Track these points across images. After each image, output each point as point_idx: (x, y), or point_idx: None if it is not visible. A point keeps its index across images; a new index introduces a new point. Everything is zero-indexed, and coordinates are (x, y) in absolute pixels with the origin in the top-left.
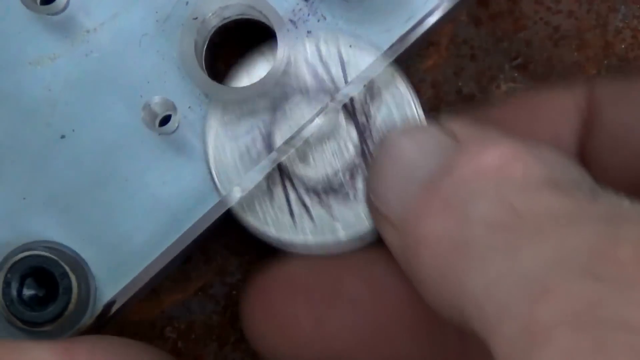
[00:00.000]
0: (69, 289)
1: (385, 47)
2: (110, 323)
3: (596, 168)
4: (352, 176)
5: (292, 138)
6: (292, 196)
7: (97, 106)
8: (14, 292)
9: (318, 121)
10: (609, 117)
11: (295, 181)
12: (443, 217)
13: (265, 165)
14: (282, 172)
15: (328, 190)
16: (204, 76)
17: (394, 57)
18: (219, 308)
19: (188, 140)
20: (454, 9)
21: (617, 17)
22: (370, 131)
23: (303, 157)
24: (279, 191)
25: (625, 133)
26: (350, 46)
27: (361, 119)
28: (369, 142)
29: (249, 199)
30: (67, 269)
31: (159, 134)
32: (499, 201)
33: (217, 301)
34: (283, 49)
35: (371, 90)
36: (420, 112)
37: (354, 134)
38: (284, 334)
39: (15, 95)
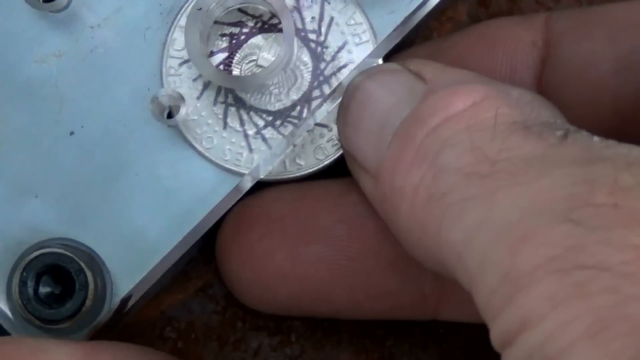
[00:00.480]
0: (85, 285)
1: (390, 29)
2: (126, 318)
3: (555, 101)
4: (309, 105)
5: (299, 126)
6: (248, 126)
7: (104, 101)
8: (31, 291)
9: (325, 106)
10: (566, 50)
11: (252, 112)
12: (417, 168)
13: (275, 154)
14: (238, 103)
15: (284, 119)
16: (209, 65)
17: (398, 39)
18: (219, 308)
19: (207, 127)
20: None
21: None
22: (324, 57)
23: (260, 88)
24: (235, 123)
25: (582, 67)
26: None
27: (316, 47)
28: (324, 69)
29: (203, 129)
30: (83, 265)
31: (168, 126)
32: (471, 149)
33: (217, 301)
34: (288, 37)
35: (322, 14)
36: (372, 34)
37: (308, 60)
38: (259, 270)
39: (23, 93)
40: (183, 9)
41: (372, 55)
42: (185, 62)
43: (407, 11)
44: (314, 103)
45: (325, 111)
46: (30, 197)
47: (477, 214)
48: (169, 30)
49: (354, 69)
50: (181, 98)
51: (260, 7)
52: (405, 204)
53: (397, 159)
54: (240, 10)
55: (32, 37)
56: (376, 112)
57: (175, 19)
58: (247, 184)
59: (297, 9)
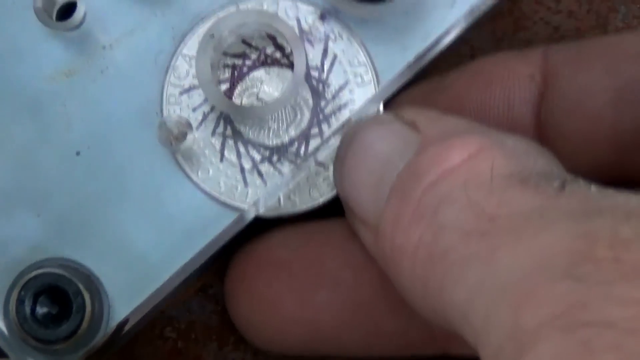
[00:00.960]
0: (82, 308)
1: (403, 65)
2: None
3: (554, 136)
4: (307, 143)
5: (311, 154)
6: (245, 159)
7: (112, 123)
8: (28, 310)
9: (334, 141)
10: (563, 83)
11: (249, 146)
12: (417, 226)
13: (281, 185)
14: (236, 136)
15: (281, 155)
16: (219, 93)
17: (411, 75)
18: (219, 308)
19: (203, 158)
20: (470, 28)
21: (617, 17)
22: (325, 95)
23: (259, 123)
24: (232, 155)
25: (580, 99)
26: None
27: (317, 84)
28: (324, 107)
29: (200, 159)
30: (81, 287)
31: (175, 152)
32: (469, 205)
33: (217, 301)
34: (299, 68)
35: (326, 52)
36: (374, 74)
37: (309, 97)
38: (269, 315)
39: (31, 111)
40: (188, 37)
41: (376, 97)
42: (186, 91)
43: (419, 49)
44: (312, 141)
45: (324, 151)
46: (33, 215)
47: (479, 273)
48: (171, 58)
49: (356, 110)
50: (189, 125)
51: (264, 40)
52: (406, 263)
53: (396, 216)
54: (244, 41)
55: (43, 54)
56: (372, 165)
57: (179, 47)
58: (249, 217)
59: (309, 41)
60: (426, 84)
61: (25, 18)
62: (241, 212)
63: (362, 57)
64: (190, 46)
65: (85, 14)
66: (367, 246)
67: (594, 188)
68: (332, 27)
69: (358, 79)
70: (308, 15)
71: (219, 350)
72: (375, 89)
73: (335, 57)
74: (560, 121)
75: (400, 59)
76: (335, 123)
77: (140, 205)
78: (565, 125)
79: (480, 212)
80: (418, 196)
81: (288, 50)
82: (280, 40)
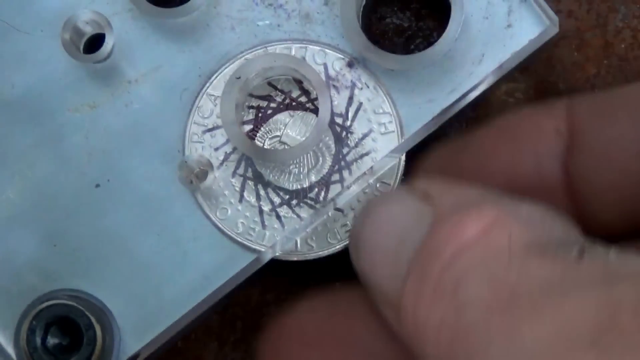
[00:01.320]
0: (93, 340)
1: (428, 118)
2: None
3: (583, 190)
4: (327, 189)
5: (331, 200)
6: (264, 202)
7: (133, 158)
8: (38, 340)
9: (355, 188)
10: (591, 136)
11: (269, 189)
12: (438, 305)
13: (300, 229)
14: (257, 178)
15: (301, 200)
16: (242, 135)
17: (435, 128)
18: (219, 308)
19: (222, 198)
20: (497, 83)
21: (617, 17)
22: (348, 143)
23: (280, 166)
24: (251, 197)
25: (607, 152)
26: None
27: (341, 131)
28: (346, 154)
29: (219, 199)
30: (93, 319)
31: (194, 191)
32: (489, 279)
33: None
34: (324, 114)
35: (351, 99)
36: (399, 124)
37: (331, 143)
38: None
39: (53, 141)
40: (214, 77)
41: (400, 148)
42: (209, 130)
43: (446, 102)
44: (332, 187)
45: (344, 198)
46: (49, 245)
47: (503, 348)
48: (196, 96)
49: (379, 159)
50: (210, 164)
51: (290, 84)
52: (430, 342)
53: (417, 295)
54: (269, 84)
55: (69, 85)
56: (388, 242)
57: (204, 85)
58: (265, 259)
59: (335, 87)
60: (452, 143)
61: (52, 48)
62: (258, 255)
63: (387, 106)
64: (216, 86)
65: (113, 47)
66: (390, 321)
67: (612, 254)
68: (359, 75)
69: (382, 128)
70: (335, 62)
71: (219, 350)
72: (398, 139)
73: (360, 105)
74: (590, 175)
75: (426, 112)
76: (357, 170)
77: (156, 242)
78: (594, 178)
79: (500, 286)
80: (437, 274)
81: (313, 95)
82: (306, 85)
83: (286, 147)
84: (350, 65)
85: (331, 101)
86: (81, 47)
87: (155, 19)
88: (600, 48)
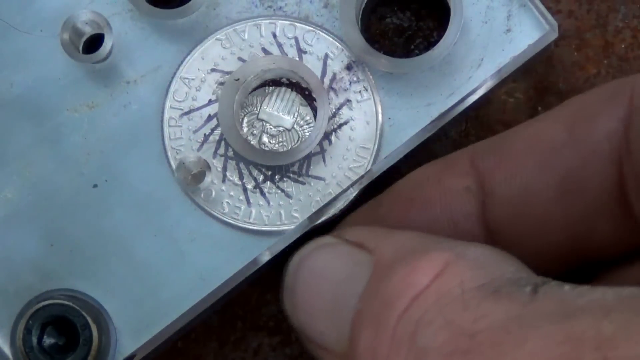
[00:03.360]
0: (89, 341)
1: (426, 122)
2: None
3: (504, 242)
4: (308, 161)
5: (325, 206)
6: (247, 180)
7: (131, 158)
8: (34, 340)
9: (352, 190)
10: (503, 189)
11: (251, 166)
12: (396, 355)
13: (297, 230)
14: (238, 157)
15: (283, 174)
16: (240, 137)
17: (434, 131)
18: (219, 308)
19: (220, 200)
20: (496, 87)
21: (617, 17)
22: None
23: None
24: (234, 176)
25: (523, 201)
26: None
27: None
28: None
29: (202, 181)
30: (89, 319)
31: (192, 191)
32: (446, 325)
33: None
34: (322, 116)
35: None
36: (373, 92)
37: (310, 118)
38: None
39: (52, 141)
40: (186, 60)
41: (398, 152)
42: (186, 113)
43: (444, 106)
44: (314, 159)
45: (343, 199)
46: (46, 244)
47: None
48: (170, 80)
49: (380, 163)
50: (207, 166)
51: (297, 81)
52: None
53: (374, 348)
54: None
55: (67, 85)
56: (325, 292)
57: (177, 69)
58: (263, 260)
59: (333, 90)
60: (362, 212)
61: (51, 47)
62: (255, 257)
63: (361, 74)
64: (189, 69)
65: (112, 48)
66: None
67: (567, 287)
68: (357, 77)
69: (358, 96)
70: (334, 64)
71: (219, 350)
72: (375, 106)
73: (334, 75)
74: (509, 226)
75: (424, 115)
76: (337, 140)
77: (153, 242)
78: (515, 228)
79: (457, 330)
80: (393, 325)
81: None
82: (304, 85)
83: (277, 141)
84: (349, 67)
85: (329, 103)
86: (80, 47)
87: (154, 20)
88: (600, 48)
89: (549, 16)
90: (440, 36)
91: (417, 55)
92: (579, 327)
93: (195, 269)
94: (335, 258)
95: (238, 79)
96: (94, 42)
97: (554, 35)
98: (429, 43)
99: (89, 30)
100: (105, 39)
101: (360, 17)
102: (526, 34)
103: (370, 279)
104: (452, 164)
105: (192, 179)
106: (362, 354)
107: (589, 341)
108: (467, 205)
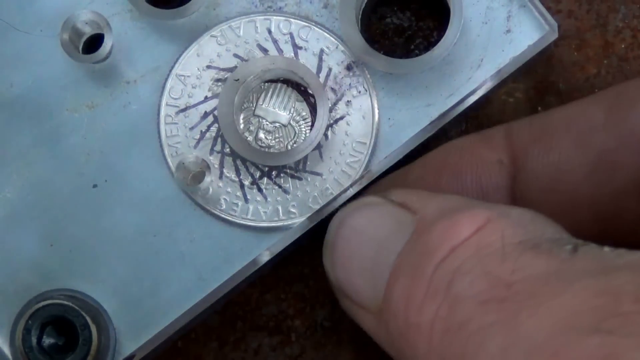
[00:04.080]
0: (89, 341)
1: (426, 122)
2: None
3: None
4: (305, 157)
5: (325, 206)
6: (244, 176)
7: (131, 158)
8: (34, 340)
9: (351, 190)
10: (534, 165)
11: (247, 163)
12: (431, 302)
13: (297, 230)
14: (235, 153)
15: (280, 170)
16: (240, 137)
17: (433, 132)
18: (218, 308)
19: (219, 199)
20: (496, 88)
21: (617, 17)
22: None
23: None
24: (231, 173)
25: (554, 177)
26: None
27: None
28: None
29: (201, 181)
30: (89, 319)
31: (191, 192)
32: (483, 275)
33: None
34: (322, 116)
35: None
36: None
37: (307, 115)
38: None
39: (51, 141)
40: (181, 57)
41: (397, 153)
42: (182, 110)
43: (443, 107)
44: (311, 155)
45: (342, 200)
46: (46, 244)
47: (502, 339)
48: (166, 78)
49: (377, 164)
50: (207, 166)
51: (297, 81)
52: (422, 340)
53: (408, 295)
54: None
55: (67, 85)
56: (366, 249)
57: (173, 67)
58: (262, 260)
59: (334, 90)
60: (393, 177)
61: (51, 47)
62: (254, 257)
63: (357, 69)
64: (185, 66)
65: (111, 48)
66: (367, 329)
67: (607, 248)
68: (357, 78)
69: (354, 91)
70: (334, 65)
71: (219, 350)
72: (370, 100)
73: (329, 70)
74: (537, 203)
75: (424, 115)
76: (333, 135)
77: (153, 242)
78: (543, 205)
79: (495, 280)
80: (430, 273)
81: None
82: (303, 85)
83: (273, 137)
84: (349, 68)
85: (329, 103)
86: (80, 47)
87: (154, 20)
88: (600, 48)
89: (549, 17)
90: (440, 36)
91: (417, 55)
92: (617, 282)
93: (194, 269)
94: (378, 217)
95: (238, 79)
96: (93, 42)
97: (554, 35)
98: (429, 43)
99: (88, 30)
100: (105, 39)
101: (360, 17)
102: (526, 34)
103: (411, 236)
104: (487, 137)
105: (191, 179)
106: (396, 301)
107: (628, 294)
108: (498, 178)
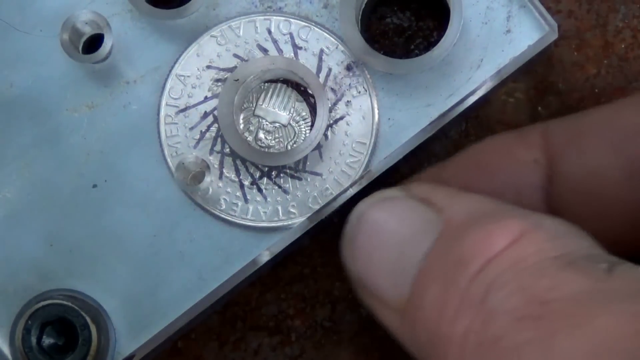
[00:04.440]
0: (88, 341)
1: (426, 122)
2: None
3: (568, 217)
4: (305, 157)
5: (325, 206)
6: (244, 177)
7: (131, 158)
8: (34, 340)
9: (351, 191)
10: (570, 166)
11: (247, 163)
12: (465, 314)
13: (296, 230)
14: (234, 153)
15: (280, 171)
16: (240, 138)
17: (433, 132)
18: (218, 308)
19: (219, 199)
20: (496, 88)
21: (617, 17)
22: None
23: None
24: (231, 173)
25: (590, 180)
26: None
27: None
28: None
29: (201, 181)
30: (88, 320)
31: (191, 192)
32: (519, 291)
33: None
34: (322, 116)
35: (342, 94)
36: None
37: (307, 115)
38: None
39: (51, 141)
40: (181, 57)
41: (395, 152)
42: (182, 110)
43: (443, 107)
44: (310, 155)
45: (342, 200)
46: (46, 244)
47: (536, 358)
48: (166, 78)
49: (377, 164)
50: (206, 166)
51: (297, 81)
52: (454, 352)
53: (441, 305)
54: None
55: (67, 85)
56: (390, 245)
57: (173, 67)
58: (262, 261)
59: (334, 90)
60: (427, 172)
61: (51, 47)
62: (254, 257)
63: (357, 70)
64: (184, 66)
65: (111, 48)
66: (388, 326)
67: (637, 267)
68: (357, 78)
69: (354, 91)
70: (334, 65)
71: (219, 350)
72: (370, 100)
73: (329, 70)
74: (573, 204)
75: (423, 116)
76: (333, 136)
77: (153, 242)
78: (578, 207)
79: (531, 296)
80: (464, 285)
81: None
82: (304, 85)
83: (273, 137)
84: (348, 68)
85: (329, 104)
86: (80, 48)
87: (154, 20)
88: (600, 48)
89: (549, 17)
90: (440, 36)
91: (417, 55)
92: None
93: (194, 269)
94: (401, 212)
95: (238, 80)
96: (93, 42)
97: (554, 36)
98: (429, 43)
99: (88, 31)
100: (105, 39)
101: (360, 17)
102: (526, 34)
103: (439, 237)
104: (523, 136)
105: (191, 179)
106: (428, 309)
107: None
108: (533, 178)
